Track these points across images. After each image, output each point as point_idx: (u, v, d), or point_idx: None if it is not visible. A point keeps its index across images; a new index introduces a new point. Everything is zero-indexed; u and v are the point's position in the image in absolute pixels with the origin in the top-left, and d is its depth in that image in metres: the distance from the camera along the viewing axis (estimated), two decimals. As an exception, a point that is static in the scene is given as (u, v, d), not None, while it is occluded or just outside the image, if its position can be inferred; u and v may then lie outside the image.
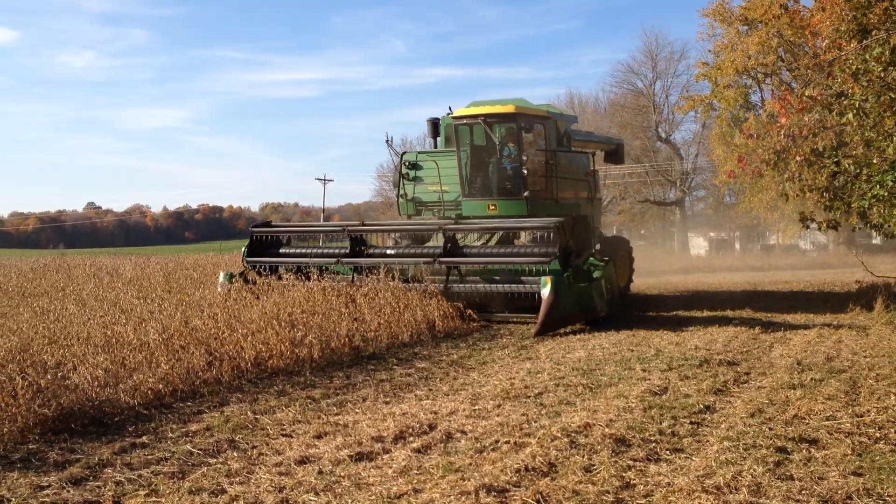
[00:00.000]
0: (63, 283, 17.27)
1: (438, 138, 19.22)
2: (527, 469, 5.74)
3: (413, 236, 16.62)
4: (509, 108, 16.65)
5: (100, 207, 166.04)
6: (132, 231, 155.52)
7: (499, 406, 7.88)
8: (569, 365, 10.20)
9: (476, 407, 7.84)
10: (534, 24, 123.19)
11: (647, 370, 9.71)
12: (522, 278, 14.35)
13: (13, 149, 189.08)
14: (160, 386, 8.32)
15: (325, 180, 76.44)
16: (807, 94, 15.21)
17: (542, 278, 13.12)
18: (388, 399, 8.37)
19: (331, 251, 16.33)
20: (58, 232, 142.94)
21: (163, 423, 7.41)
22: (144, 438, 6.87)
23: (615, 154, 23.45)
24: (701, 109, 48.46)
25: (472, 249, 15.30)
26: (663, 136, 60.85)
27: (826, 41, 16.08)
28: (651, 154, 60.72)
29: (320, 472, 5.83)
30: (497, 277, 14.81)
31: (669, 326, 13.96)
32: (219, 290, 14.83)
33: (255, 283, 14.36)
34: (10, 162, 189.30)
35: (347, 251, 15.79)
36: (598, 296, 13.96)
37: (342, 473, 5.81)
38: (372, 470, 5.89)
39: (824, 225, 14.99)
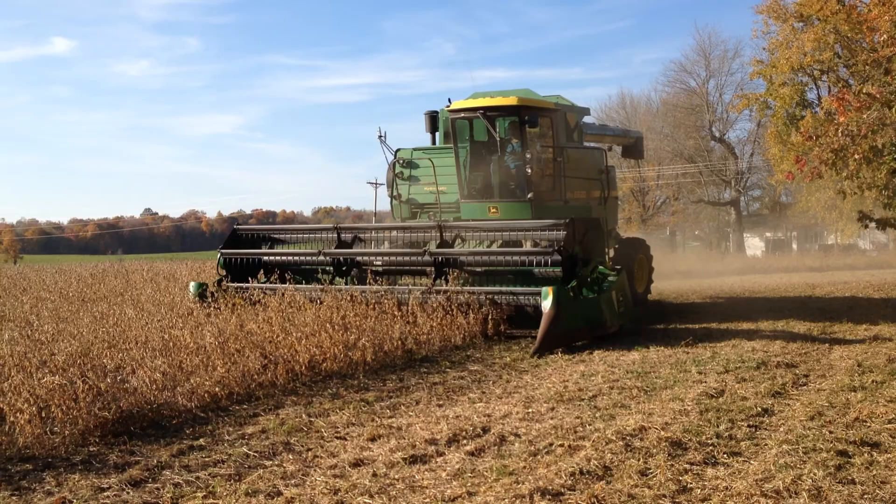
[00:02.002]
0: (122, 288, 17.57)
1: (437, 133, 17.46)
2: (581, 472, 5.70)
3: (409, 242, 14.31)
4: (511, 100, 14.92)
5: (156, 213, 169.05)
6: (188, 236, 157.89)
7: (552, 409, 7.85)
8: (623, 367, 10.11)
9: (529, 410, 7.81)
10: (585, 25, 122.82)
11: (702, 373, 9.59)
12: (521, 288, 12.64)
13: (73, 156, 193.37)
14: (216, 389, 8.42)
15: (376, 184, 76.68)
16: (865, 91, 14.90)
17: (543, 289, 11.53)
18: (441, 402, 8.37)
19: (310, 255, 14.31)
20: (116, 237, 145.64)
21: (219, 425, 7.51)
22: (202, 441, 6.97)
23: (634, 148, 21.38)
24: (756, 108, 47.61)
25: (466, 255, 13.37)
26: (717, 135, 60.09)
27: (884, 36, 15.73)
28: (705, 154, 59.99)
29: (374, 475, 5.85)
30: (498, 286, 13.10)
31: (725, 328, 13.77)
32: (190, 297, 13.87)
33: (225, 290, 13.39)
34: (70, 169, 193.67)
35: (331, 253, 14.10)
36: (607, 309, 12.44)
37: (396, 476, 5.83)
38: (426, 473, 5.90)
39: (883, 223, 14.68)
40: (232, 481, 5.85)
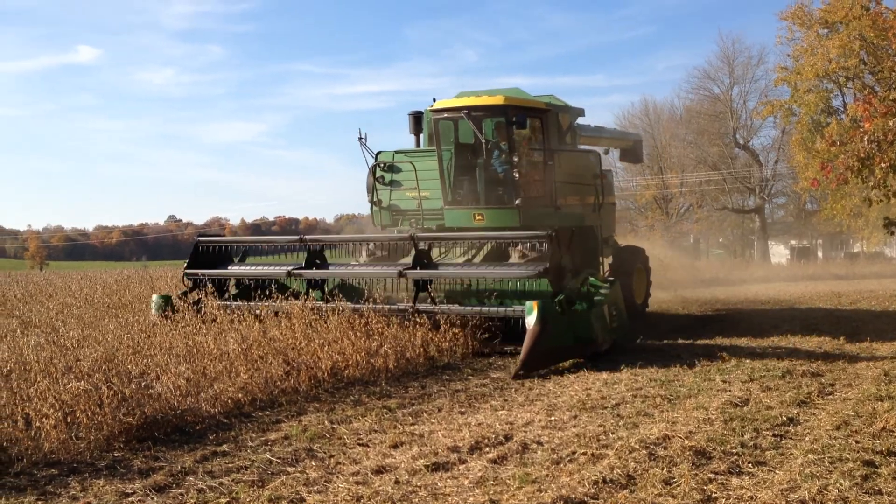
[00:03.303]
0: (146, 294, 17.66)
1: (422, 135, 16.21)
2: (605, 481, 5.67)
3: (387, 250, 13.78)
4: (497, 100, 13.93)
5: (180, 220, 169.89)
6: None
7: (575, 417, 7.82)
8: (646, 375, 10.05)
9: (552, 418, 7.78)
10: (607, 31, 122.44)
11: (727, 381, 9.52)
12: (502, 309, 11.69)
13: (99, 164, 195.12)
14: (240, 395, 8.46)
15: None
16: (891, 97, 14.78)
17: (528, 303, 10.58)
18: (463, 409, 8.36)
19: (278, 268, 13.30)
20: (140, 244, 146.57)
21: (242, 431, 7.54)
22: (225, 447, 7.00)
23: (632, 152, 20.50)
24: (780, 114, 47.35)
25: (449, 267, 12.76)
26: (741, 142, 59.69)
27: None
28: (729, 161, 59.59)
29: (397, 482, 5.85)
30: (485, 302, 12.36)
31: (749, 336, 13.66)
32: (153, 312, 12.82)
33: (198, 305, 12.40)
34: (96, 176, 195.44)
35: (301, 266, 12.97)
36: (598, 324, 11.39)
37: (419, 483, 5.83)
38: (448, 480, 5.89)
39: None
40: (255, 487, 5.86)
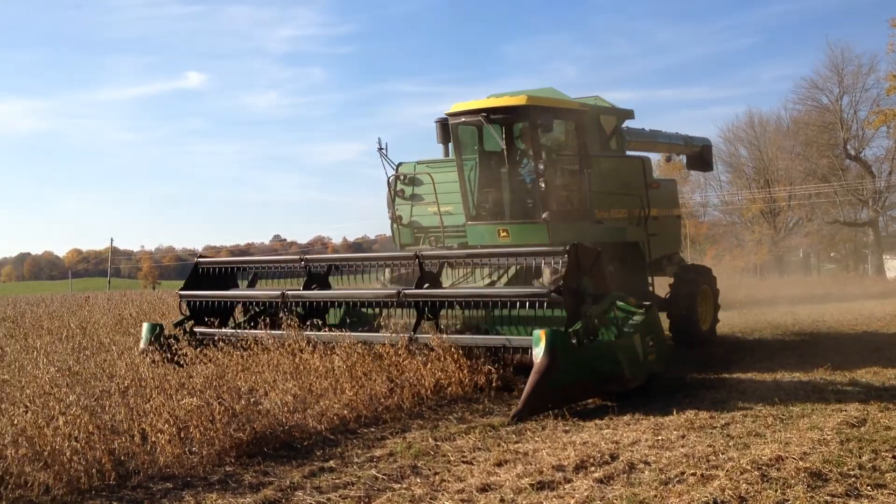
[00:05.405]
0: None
1: (451, 144, 14.33)
2: (715, 503, 5.53)
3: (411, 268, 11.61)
4: (519, 100, 12.50)
5: (285, 240, 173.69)
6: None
7: (683, 436, 7.65)
8: (756, 394, 9.78)
9: (659, 437, 7.64)
10: (710, 43, 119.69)
11: (842, 400, 9.19)
12: (513, 338, 10.14)
13: (207, 186, 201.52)
14: (345, 412, 8.57)
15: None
16: None
17: (535, 332, 8.92)
18: (567, 428, 8.28)
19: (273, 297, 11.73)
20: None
21: (348, 447, 7.63)
22: (332, 463, 7.09)
23: (700, 158, 18.32)
24: (893, 124, 45.74)
25: (446, 295, 10.75)
26: (852, 153, 57.67)
27: None
28: (839, 173, 57.67)
29: (502, 501, 5.83)
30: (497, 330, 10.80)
31: (864, 353, 13.15)
32: (141, 346, 11.36)
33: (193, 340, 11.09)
34: (206, 199, 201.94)
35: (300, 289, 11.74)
36: (626, 357, 9.65)
37: (524, 502, 5.79)
38: (554, 500, 5.83)
39: None
40: (362, 503, 5.92)
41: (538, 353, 8.83)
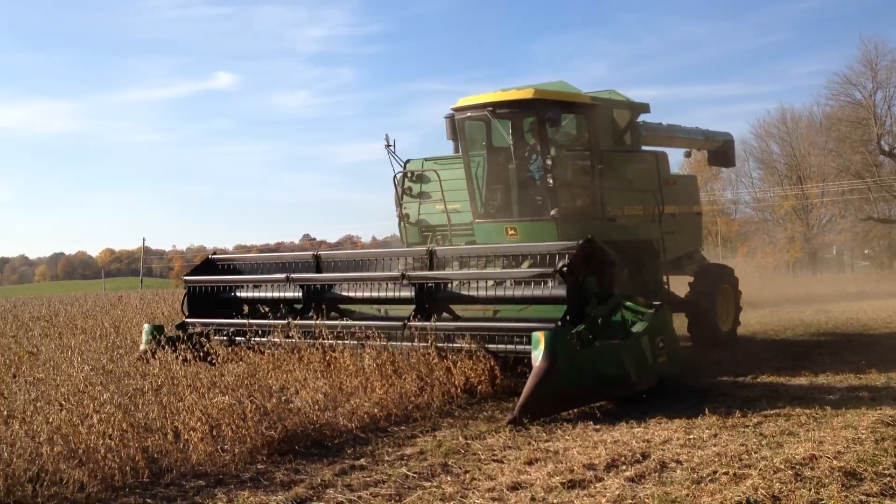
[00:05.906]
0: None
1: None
2: (749, 502, 5.48)
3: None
4: (526, 93, 12.21)
5: (314, 239, 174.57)
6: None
7: (715, 435, 7.59)
8: (789, 393, 9.69)
9: (690, 436, 7.59)
10: (741, 39, 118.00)
11: (876, 399, 9.08)
12: (514, 325, 9.95)
13: (237, 186, 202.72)
14: (375, 410, 8.60)
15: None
16: None
17: (534, 335, 8.61)
18: (598, 426, 8.24)
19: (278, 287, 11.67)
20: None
21: (379, 446, 7.65)
22: (362, 461, 7.11)
23: (722, 154, 17.59)
24: (929, 119, 45.10)
25: (457, 271, 10.60)
26: (886, 149, 56.96)
27: None
28: (873, 169, 56.96)
29: (533, 499, 5.82)
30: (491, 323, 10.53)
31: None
32: (141, 348, 11.16)
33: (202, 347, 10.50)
34: (235, 198, 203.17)
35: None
36: (633, 360, 9.28)
37: (555, 501, 5.78)
38: (585, 498, 5.81)
39: None
40: (393, 501, 5.94)
41: (537, 355, 8.55)
